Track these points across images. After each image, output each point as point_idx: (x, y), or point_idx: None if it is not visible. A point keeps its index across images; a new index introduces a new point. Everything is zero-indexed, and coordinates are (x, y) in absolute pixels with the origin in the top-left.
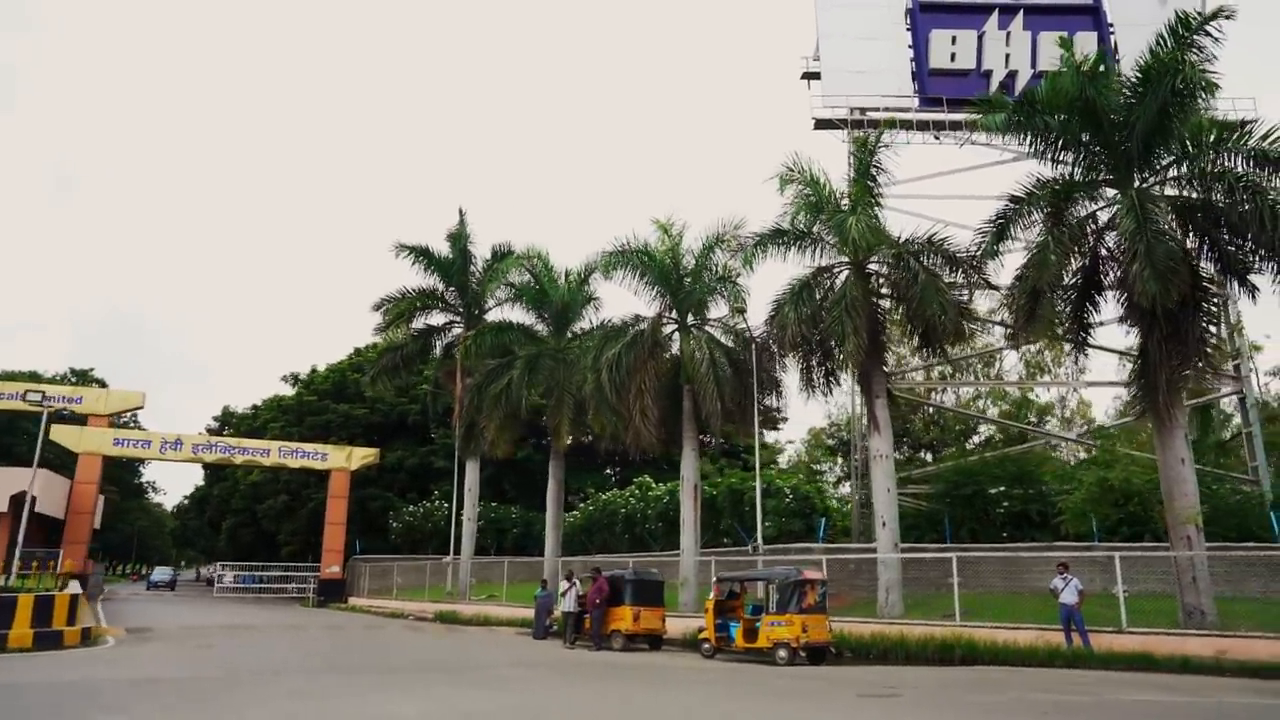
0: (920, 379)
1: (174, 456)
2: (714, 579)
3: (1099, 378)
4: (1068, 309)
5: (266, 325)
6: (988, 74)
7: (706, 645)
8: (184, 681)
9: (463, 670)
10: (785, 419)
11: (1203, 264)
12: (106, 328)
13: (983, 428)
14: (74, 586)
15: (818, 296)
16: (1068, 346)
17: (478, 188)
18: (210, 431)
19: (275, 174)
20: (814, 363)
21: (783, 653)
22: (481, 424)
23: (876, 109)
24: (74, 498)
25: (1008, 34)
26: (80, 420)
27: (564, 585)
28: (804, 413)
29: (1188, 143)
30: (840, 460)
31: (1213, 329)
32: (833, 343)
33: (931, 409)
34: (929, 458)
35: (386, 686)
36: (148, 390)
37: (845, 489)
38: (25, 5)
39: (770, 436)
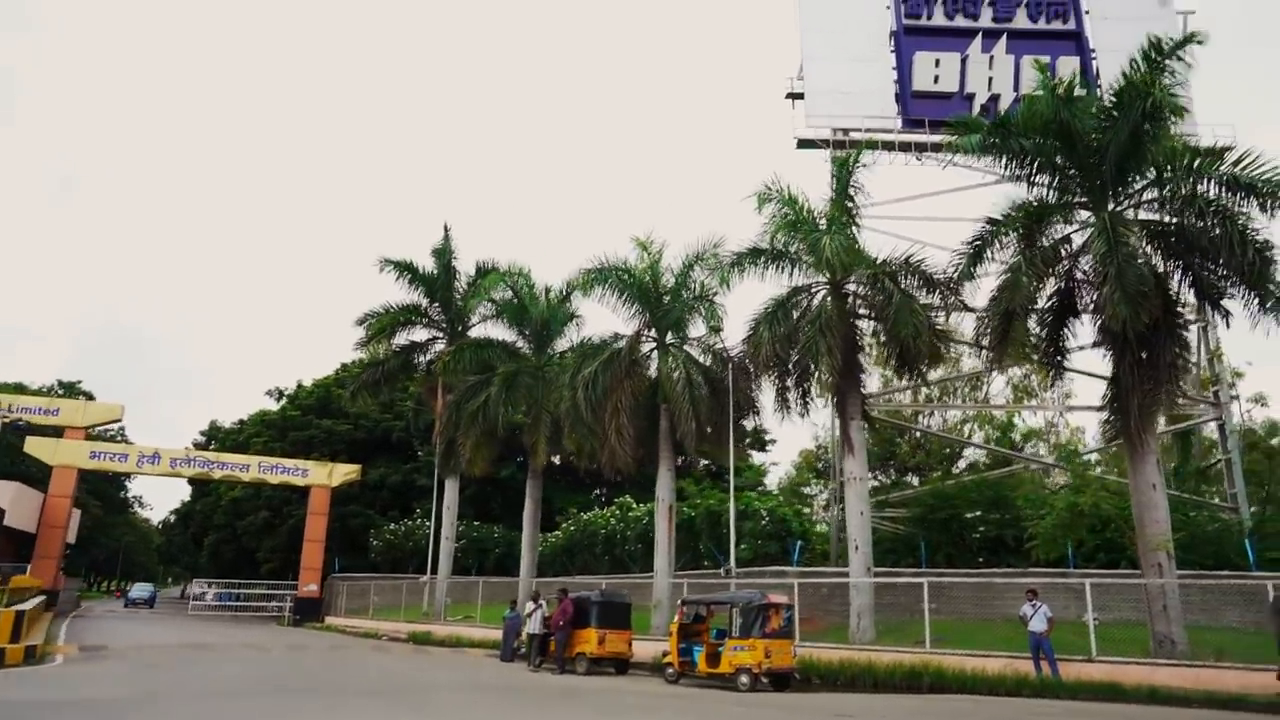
0: (907, 401)
1: (151, 470)
2: (679, 602)
3: (1089, 403)
4: (1044, 332)
5: (270, 336)
6: (970, 96)
7: (670, 670)
8: (111, 703)
9: (407, 693)
10: (773, 440)
11: (1180, 290)
12: (106, 336)
13: (969, 451)
14: (32, 602)
15: (794, 316)
16: (1050, 370)
17: (465, 204)
18: (197, 446)
19: (274, 184)
20: (789, 383)
21: (744, 678)
22: (459, 441)
23: (859, 130)
24: (46, 511)
25: (991, 57)
26: (58, 433)
27: (529, 607)
28: (796, 435)
29: (1162, 167)
30: (828, 483)
31: (1185, 354)
32: (810, 363)
33: (919, 433)
34: (915, 481)
35: (320, 710)
36: (145, 401)
37: (836, 512)
38: (25, 8)
39: (760, 458)
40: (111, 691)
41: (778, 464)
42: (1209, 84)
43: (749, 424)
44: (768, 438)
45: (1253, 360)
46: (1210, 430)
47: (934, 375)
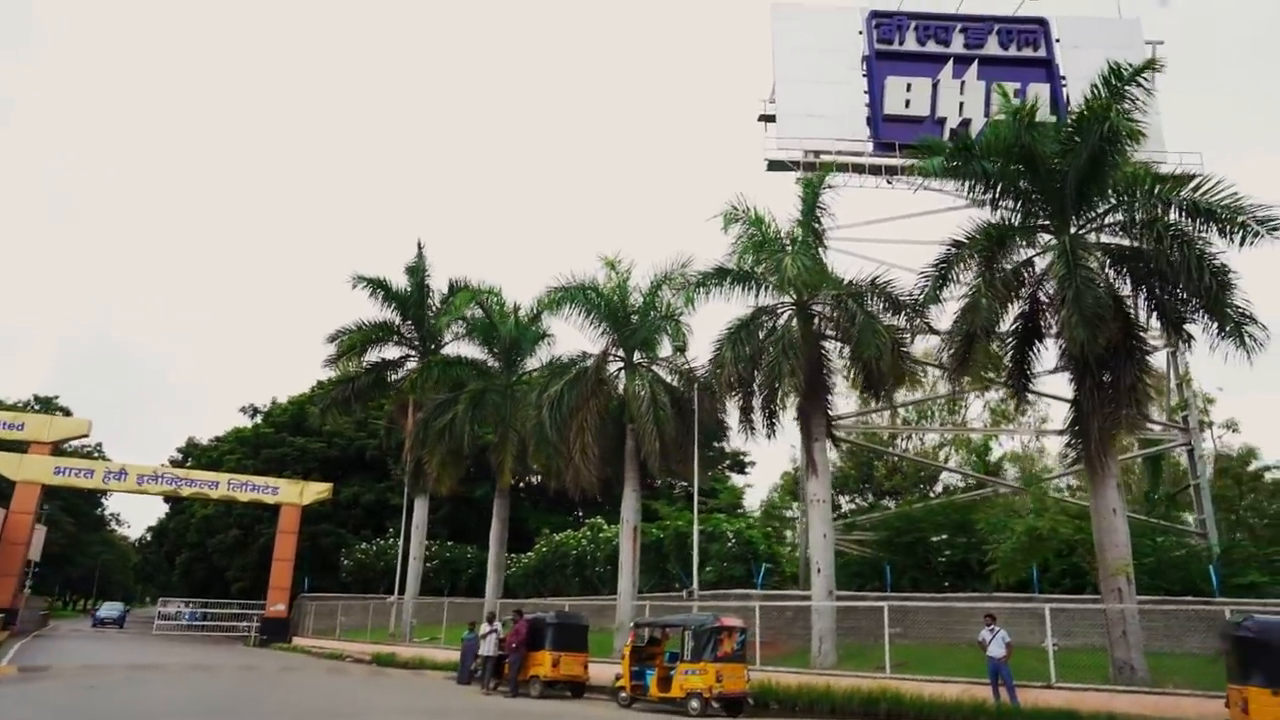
0: (884, 424)
1: (117, 487)
2: (631, 624)
3: (1060, 428)
4: (1009, 355)
5: (261, 350)
6: (942, 121)
7: (623, 694)
8: None
9: (341, 717)
10: (753, 463)
11: (1145, 314)
12: (103, 346)
13: (944, 475)
14: None
15: (760, 336)
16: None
17: (440, 221)
18: (174, 462)
19: (265, 193)
20: (755, 404)
21: (694, 703)
22: (425, 460)
23: (830, 152)
24: (7, 528)
25: (962, 83)
26: (23, 448)
27: (484, 628)
28: (779, 457)
29: (1121, 191)
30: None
31: (1147, 378)
32: (775, 383)
33: (897, 456)
34: (892, 504)
35: None
36: (140, 414)
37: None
38: (28, 32)
39: (739, 480)
40: (30, 713)
41: (753, 486)
42: (1203, 112)
43: (726, 446)
44: (747, 460)
45: (1232, 387)
46: (1181, 455)
47: (911, 398)
